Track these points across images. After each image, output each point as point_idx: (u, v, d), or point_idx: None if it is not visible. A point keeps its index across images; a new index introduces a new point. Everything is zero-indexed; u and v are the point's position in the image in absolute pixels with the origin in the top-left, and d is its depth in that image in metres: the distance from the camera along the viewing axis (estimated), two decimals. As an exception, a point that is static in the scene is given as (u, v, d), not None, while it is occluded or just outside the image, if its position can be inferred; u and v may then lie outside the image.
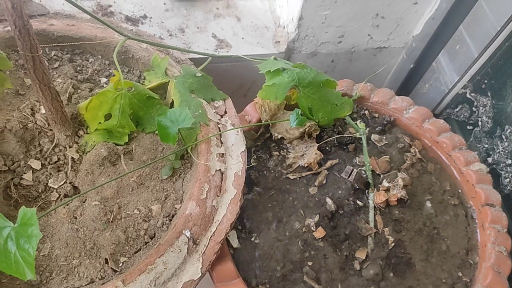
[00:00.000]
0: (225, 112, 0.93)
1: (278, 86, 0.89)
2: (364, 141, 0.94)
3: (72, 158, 0.83)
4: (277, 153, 0.97)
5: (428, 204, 0.93)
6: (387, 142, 1.00)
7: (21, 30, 0.63)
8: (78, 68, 0.94)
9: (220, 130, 0.89)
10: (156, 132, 0.87)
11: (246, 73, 1.18)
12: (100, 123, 0.83)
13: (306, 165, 0.94)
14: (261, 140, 0.99)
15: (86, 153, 0.83)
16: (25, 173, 0.80)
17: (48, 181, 0.80)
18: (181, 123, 0.81)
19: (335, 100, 0.97)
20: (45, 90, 0.73)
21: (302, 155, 0.95)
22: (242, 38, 1.17)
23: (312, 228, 0.87)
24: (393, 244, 0.87)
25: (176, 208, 0.80)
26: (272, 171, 0.95)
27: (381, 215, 0.90)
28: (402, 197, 0.90)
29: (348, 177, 0.93)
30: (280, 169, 0.95)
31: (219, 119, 0.90)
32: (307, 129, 0.94)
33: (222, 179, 0.83)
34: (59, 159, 0.83)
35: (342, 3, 1.07)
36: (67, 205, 0.78)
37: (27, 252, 0.55)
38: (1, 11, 0.94)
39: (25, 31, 0.63)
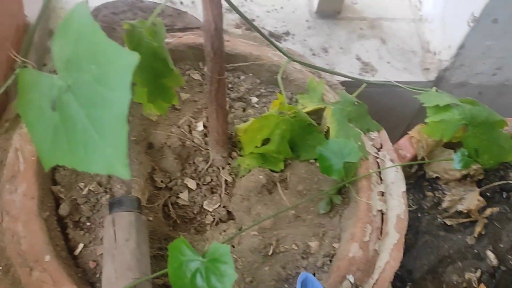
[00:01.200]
0: (381, 146, 0.86)
1: (447, 124, 0.82)
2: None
3: (226, 180, 0.80)
4: (431, 194, 0.90)
5: None
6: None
7: (216, 52, 0.60)
8: (230, 86, 0.91)
9: (379, 165, 0.82)
10: (311, 160, 0.83)
11: (395, 101, 1.11)
12: (256, 147, 0.80)
13: (464, 211, 0.86)
14: (413, 178, 0.92)
15: (241, 177, 0.80)
16: (181, 192, 0.78)
17: (202, 203, 0.78)
18: (346, 156, 0.75)
19: (503, 141, 0.88)
20: (220, 113, 0.70)
21: (460, 199, 0.87)
22: (388, 63, 1.10)
23: (474, 284, 0.79)
24: None
25: (334, 247, 0.75)
26: (426, 213, 0.88)
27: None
28: None
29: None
30: (434, 213, 0.88)
31: (377, 153, 0.84)
32: (471, 172, 0.86)
33: (383, 221, 0.77)
34: (212, 180, 0.80)
35: None
36: (224, 231, 0.75)
37: (218, 291, 0.52)
38: (189, 20, 0.93)
39: (219, 53, 0.60)
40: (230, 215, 0.78)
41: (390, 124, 1.21)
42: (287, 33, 1.12)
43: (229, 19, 1.12)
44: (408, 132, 0.92)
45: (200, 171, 0.80)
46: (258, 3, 1.15)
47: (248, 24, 0.66)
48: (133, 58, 0.43)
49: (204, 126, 0.83)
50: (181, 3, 1.13)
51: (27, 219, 0.68)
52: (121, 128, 0.44)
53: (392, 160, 0.84)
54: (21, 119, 0.78)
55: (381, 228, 0.76)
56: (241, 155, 0.82)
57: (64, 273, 0.65)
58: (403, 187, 0.81)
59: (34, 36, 0.96)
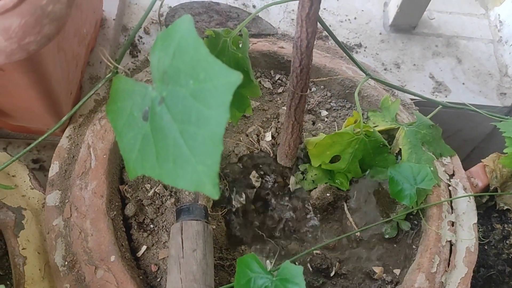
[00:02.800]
0: (454, 172, 0.83)
1: (528, 157, 0.78)
2: None
3: (290, 193, 0.78)
4: (500, 226, 0.86)
5: None
6: None
7: (303, 69, 0.58)
8: (300, 96, 0.90)
9: (450, 193, 0.79)
10: (379, 181, 0.80)
11: (464, 123, 1.07)
12: (324, 162, 0.78)
13: (537, 248, 0.82)
14: (482, 208, 0.88)
15: (307, 191, 0.78)
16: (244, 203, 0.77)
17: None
18: (419, 182, 0.73)
19: None
20: (295, 128, 0.68)
21: (533, 235, 0.83)
22: (463, 84, 1.06)
23: (544, 328, 0.75)
24: None
25: (396, 274, 0.72)
26: (493, 246, 0.84)
27: None
28: None
29: None
30: (502, 246, 0.84)
31: (449, 180, 0.81)
32: (547, 209, 0.82)
33: (451, 252, 0.74)
34: (276, 191, 0.79)
35: None
36: (286, 246, 0.74)
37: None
38: (264, 27, 0.92)
39: (306, 71, 0.59)
40: (292, 231, 0.77)
41: (453, 146, 1.17)
42: (359, 45, 1.09)
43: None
44: (482, 160, 0.88)
45: (265, 182, 0.79)
46: (332, 12, 1.12)
47: (337, 44, 0.64)
48: (236, 77, 0.42)
49: (272, 137, 0.82)
50: (254, 6, 1.12)
51: (95, 217, 0.69)
52: (216, 147, 0.43)
53: (465, 189, 0.80)
54: (94, 115, 0.79)
55: (449, 260, 0.73)
56: (306, 169, 0.80)
57: (127, 274, 0.65)
58: (474, 219, 0.77)
59: (109, 32, 0.97)
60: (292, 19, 1.12)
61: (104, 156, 0.74)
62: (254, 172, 0.78)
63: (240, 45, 0.68)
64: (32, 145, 0.61)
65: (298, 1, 0.57)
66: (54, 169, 0.74)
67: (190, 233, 0.64)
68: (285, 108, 0.85)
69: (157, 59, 0.47)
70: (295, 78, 0.60)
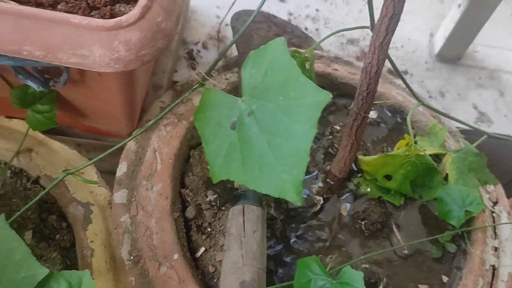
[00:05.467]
0: (497, 200, 0.86)
1: None
2: None
3: (339, 210, 0.82)
4: (540, 255, 0.88)
5: None
6: None
7: (369, 93, 0.63)
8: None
9: (494, 220, 0.82)
10: (425, 201, 0.84)
11: (504, 154, 1.10)
12: (376, 179, 0.82)
13: None
14: (523, 237, 0.91)
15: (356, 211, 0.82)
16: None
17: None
18: (467, 205, 0.76)
19: None
20: (354, 147, 0.73)
21: None
22: (505, 116, 1.09)
23: None
24: None
25: (440, 294, 0.76)
26: (532, 274, 0.86)
27: None
28: None
29: None
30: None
31: (493, 207, 0.84)
32: None
33: (493, 276, 0.77)
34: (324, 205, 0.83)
35: None
36: (332, 256, 0.78)
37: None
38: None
39: (372, 94, 0.63)
40: (339, 242, 0.81)
41: (494, 175, 1.19)
42: (406, 72, 1.13)
43: (351, 51, 1.15)
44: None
45: (315, 193, 0.83)
46: (380, 38, 1.17)
47: (396, 72, 0.69)
48: (325, 96, 0.47)
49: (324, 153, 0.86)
50: (306, 28, 1.18)
51: (160, 217, 0.74)
52: (302, 159, 0.47)
53: (508, 216, 0.83)
54: (160, 121, 0.85)
55: (491, 284, 0.76)
56: (360, 181, 0.84)
57: (189, 273, 0.69)
58: (517, 246, 0.80)
59: (171, 44, 1.03)
60: (342, 43, 1.17)
61: (170, 161, 0.79)
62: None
63: (307, 67, 0.73)
64: (112, 149, 0.67)
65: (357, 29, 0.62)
66: (122, 169, 0.79)
67: (252, 216, 0.69)
68: (337, 126, 0.90)
69: (248, 75, 0.53)
70: (360, 100, 0.64)
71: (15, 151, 0.79)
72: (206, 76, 0.59)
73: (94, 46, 0.44)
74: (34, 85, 0.64)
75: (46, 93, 0.69)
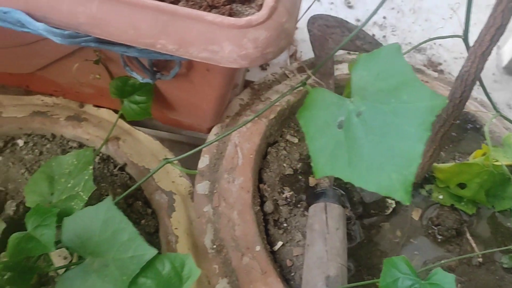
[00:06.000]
0: None
1: None
2: None
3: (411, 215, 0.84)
4: None
5: None
6: None
7: (462, 101, 0.65)
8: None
9: None
10: (498, 210, 0.85)
11: None
12: (448, 187, 0.83)
13: None
14: None
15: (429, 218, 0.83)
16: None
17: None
18: (544, 218, 0.77)
19: None
20: (435, 153, 0.74)
21: None
22: None
23: None
24: None
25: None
26: None
27: None
28: None
29: None
30: None
31: None
32: None
33: None
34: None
35: None
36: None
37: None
38: None
39: (464, 102, 0.65)
40: (411, 246, 0.82)
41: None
42: (473, 83, 1.13)
43: (418, 59, 1.16)
44: None
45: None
46: (447, 48, 1.18)
47: (481, 85, 0.70)
48: (441, 101, 0.48)
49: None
50: (373, 35, 1.19)
51: (242, 210, 0.77)
52: (414, 160, 0.49)
53: None
54: (239, 118, 0.88)
55: None
56: (432, 188, 0.86)
57: (271, 265, 0.72)
58: None
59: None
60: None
61: (251, 156, 0.82)
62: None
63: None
64: (203, 146, 0.70)
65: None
66: (204, 161, 0.82)
67: (334, 213, 0.71)
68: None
69: (359, 77, 0.55)
70: (451, 107, 0.66)
71: (104, 138, 0.83)
72: (313, 76, 0.61)
73: (225, 43, 0.47)
74: (138, 77, 0.68)
75: (144, 85, 0.73)
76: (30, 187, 0.69)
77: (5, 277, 0.57)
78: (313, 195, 0.77)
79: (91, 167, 0.68)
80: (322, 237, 0.70)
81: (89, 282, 0.58)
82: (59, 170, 0.70)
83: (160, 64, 0.65)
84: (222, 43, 0.48)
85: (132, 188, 0.66)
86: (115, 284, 0.56)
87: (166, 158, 0.66)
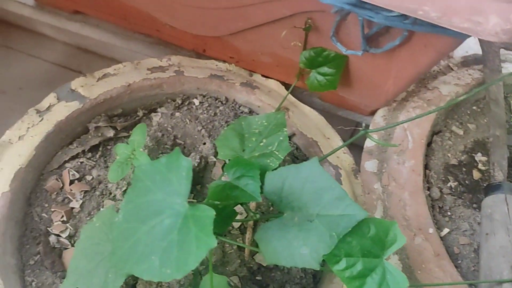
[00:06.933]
0: None
1: None
2: None
3: None
4: None
5: None
6: None
7: None
8: None
9: None
10: None
11: None
12: None
13: None
14: None
15: None
16: None
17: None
18: None
19: None
20: None
21: None
22: None
23: None
24: None
25: None
26: None
27: None
28: None
29: None
30: None
31: None
32: None
33: None
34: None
35: None
36: None
37: None
38: None
39: None
40: None
41: None
42: None
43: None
44: None
45: None
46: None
47: None
48: None
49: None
50: None
51: (414, 191, 0.77)
52: None
53: None
54: (407, 103, 0.87)
55: None
56: None
57: (443, 249, 0.72)
58: None
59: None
60: None
61: (422, 141, 0.82)
62: None
63: None
64: (393, 125, 0.70)
65: None
66: (371, 141, 0.83)
67: None
68: None
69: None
70: None
71: (276, 107, 0.86)
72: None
73: (492, 15, 0.48)
74: (342, 48, 0.69)
75: (338, 57, 0.75)
76: (221, 142, 0.72)
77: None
78: (487, 187, 0.76)
79: (285, 129, 0.70)
80: (504, 227, 0.69)
81: (291, 234, 0.59)
82: (248, 129, 0.73)
83: (372, 37, 0.66)
84: (489, 15, 0.48)
85: (327, 154, 0.68)
86: (320, 239, 0.58)
87: (364, 128, 0.67)
